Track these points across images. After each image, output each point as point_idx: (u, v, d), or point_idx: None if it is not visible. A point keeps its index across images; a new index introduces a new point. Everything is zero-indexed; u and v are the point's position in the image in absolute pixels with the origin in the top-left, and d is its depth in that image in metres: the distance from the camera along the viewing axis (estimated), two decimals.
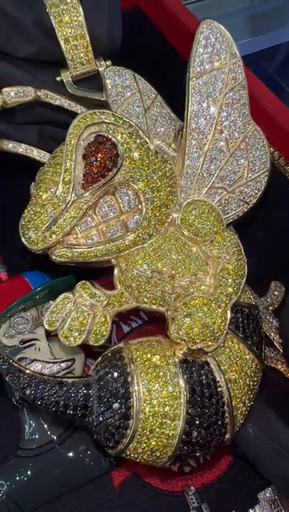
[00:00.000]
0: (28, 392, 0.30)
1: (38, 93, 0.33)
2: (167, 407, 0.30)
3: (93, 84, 0.38)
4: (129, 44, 0.38)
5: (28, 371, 0.31)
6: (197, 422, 0.30)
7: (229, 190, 0.35)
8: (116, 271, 0.34)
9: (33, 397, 0.30)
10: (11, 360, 0.31)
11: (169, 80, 0.33)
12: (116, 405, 0.30)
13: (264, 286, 0.41)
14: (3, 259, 0.40)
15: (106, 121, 0.31)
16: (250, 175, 0.35)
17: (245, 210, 0.36)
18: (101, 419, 0.30)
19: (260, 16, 0.61)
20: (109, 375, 0.31)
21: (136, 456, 0.31)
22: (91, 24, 0.35)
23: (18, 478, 0.34)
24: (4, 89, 0.32)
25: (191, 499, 0.35)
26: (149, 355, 0.31)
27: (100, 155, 0.31)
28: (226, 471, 0.36)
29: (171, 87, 0.34)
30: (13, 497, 0.33)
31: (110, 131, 0.31)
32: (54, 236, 0.31)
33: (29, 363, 0.34)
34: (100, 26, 0.35)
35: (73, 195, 0.31)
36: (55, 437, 0.35)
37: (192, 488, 0.36)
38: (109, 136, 0.31)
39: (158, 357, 0.31)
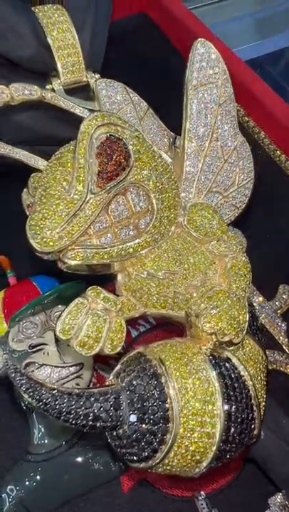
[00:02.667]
0: (52, 406, 0.27)
1: (43, 93, 0.32)
2: (205, 405, 0.29)
3: (82, 96, 0.38)
4: (136, 50, 0.40)
5: (49, 385, 0.28)
6: (233, 417, 0.30)
7: (224, 194, 0.37)
8: (120, 277, 0.34)
9: (58, 412, 0.27)
10: (29, 374, 0.28)
11: (177, 86, 0.36)
12: (153, 409, 0.28)
13: (272, 289, 0.43)
14: (11, 264, 0.37)
15: (115, 122, 0.32)
16: (240, 182, 0.38)
17: (236, 214, 0.38)
18: (136, 427, 0.28)
19: (264, 20, 0.65)
20: (139, 379, 0.29)
21: (174, 464, 0.29)
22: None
23: (27, 483, 0.34)
24: (12, 85, 0.31)
25: (201, 504, 0.34)
26: (178, 354, 0.30)
27: (115, 154, 0.31)
28: (236, 476, 0.36)
29: (179, 94, 0.36)
30: (22, 502, 0.33)
31: (119, 133, 0.32)
32: (69, 236, 0.30)
33: (38, 368, 0.33)
34: (83, 44, 0.37)
35: (89, 193, 0.30)
36: (64, 442, 0.35)
37: (202, 493, 0.35)
38: (121, 137, 0.32)
39: (188, 355, 0.30)
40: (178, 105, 0.35)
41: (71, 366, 0.34)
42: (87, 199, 0.31)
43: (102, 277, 0.34)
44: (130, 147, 0.32)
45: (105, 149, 0.31)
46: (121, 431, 0.29)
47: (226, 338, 0.31)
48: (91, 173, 0.31)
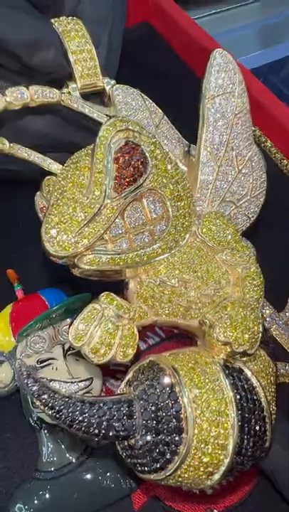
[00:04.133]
0: (64, 414, 0.28)
1: (62, 97, 0.34)
2: (220, 416, 0.30)
3: (97, 102, 0.40)
4: (139, 60, 0.41)
5: (62, 391, 0.29)
6: (246, 429, 0.31)
7: (237, 204, 0.39)
8: (132, 284, 0.35)
9: (71, 420, 0.28)
10: (43, 380, 0.28)
11: (181, 96, 0.37)
12: (166, 419, 0.29)
13: (282, 301, 0.44)
14: (19, 278, 0.38)
15: (133, 128, 0.33)
16: (253, 192, 0.40)
17: (248, 225, 0.40)
18: (149, 438, 0.29)
19: (266, 29, 0.66)
20: (153, 388, 0.30)
21: (186, 476, 0.30)
22: None
23: (36, 501, 0.34)
24: (32, 87, 0.32)
25: None
26: (191, 363, 0.31)
27: (133, 159, 0.33)
28: (250, 494, 0.37)
29: (183, 102, 0.37)
30: None
31: (136, 139, 0.33)
32: (86, 240, 0.31)
33: None
34: (99, 58, 0.39)
35: (106, 198, 0.32)
36: (73, 459, 0.35)
37: (215, 511, 0.35)
38: (138, 143, 0.33)
39: (200, 364, 0.31)
40: (184, 115, 0.37)
41: (80, 381, 0.34)
42: (104, 204, 0.32)
43: (111, 287, 0.34)
44: (147, 154, 0.33)
45: (123, 155, 0.33)
46: (133, 441, 0.30)
47: (241, 349, 0.32)
48: (109, 178, 0.32)
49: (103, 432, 0.29)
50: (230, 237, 0.36)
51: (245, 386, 0.32)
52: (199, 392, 0.30)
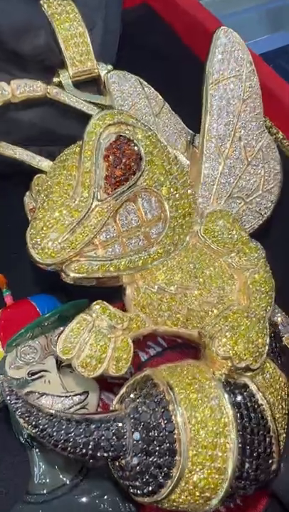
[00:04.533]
0: (49, 433, 0.27)
1: (48, 89, 0.32)
2: (217, 437, 0.28)
3: (93, 90, 0.37)
4: (139, 43, 0.38)
5: (47, 409, 0.27)
6: (248, 451, 0.29)
7: (247, 200, 0.36)
8: (129, 291, 0.33)
9: (56, 440, 0.27)
10: (26, 397, 0.27)
11: (183, 81, 0.34)
12: (159, 440, 0.27)
13: None
14: (7, 282, 0.37)
15: (126, 121, 0.31)
16: (265, 186, 0.37)
17: (260, 222, 0.37)
18: (139, 459, 0.27)
19: (276, 12, 0.63)
20: (145, 406, 0.28)
21: (181, 501, 0.28)
22: None
23: None
24: (13, 81, 0.30)
25: None
26: (188, 379, 0.29)
27: (124, 156, 0.30)
28: None
29: (186, 88, 0.35)
30: None
31: (130, 133, 0.31)
32: (72, 247, 0.30)
33: (38, 398, 0.32)
34: (94, 41, 0.36)
35: (95, 200, 0.30)
36: (67, 481, 0.33)
37: None
38: (132, 138, 0.31)
39: (199, 380, 0.29)
40: (187, 102, 0.34)
41: (75, 395, 0.33)
42: (92, 206, 0.30)
43: (109, 294, 0.33)
44: (142, 149, 0.31)
45: (114, 151, 0.31)
46: (124, 461, 0.28)
47: (243, 364, 0.29)
48: (98, 178, 0.30)
49: (90, 452, 0.27)
50: (235, 238, 0.33)
51: (249, 404, 0.30)
52: (195, 411, 0.28)
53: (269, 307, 0.32)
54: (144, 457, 0.28)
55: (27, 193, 0.35)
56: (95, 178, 0.30)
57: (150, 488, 0.28)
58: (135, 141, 0.31)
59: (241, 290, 0.33)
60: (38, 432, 0.27)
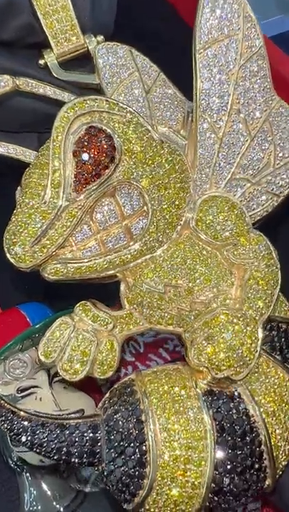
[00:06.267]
0: (24, 438, 0.30)
1: (17, 82, 0.32)
2: (191, 450, 0.29)
3: (84, 67, 0.37)
4: (135, 20, 0.37)
5: (22, 413, 0.30)
6: (229, 466, 0.29)
7: (253, 181, 0.34)
8: (122, 287, 0.34)
9: (31, 444, 0.30)
10: (1, 401, 0.30)
11: (173, 52, 0.33)
12: (129, 450, 0.29)
13: None
14: None
15: (99, 109, 0.31)
16: (277, 161, 0.34)
17: (276, 204, 0.35)
18: (112, 467, 0.29)
19: None
20: (119, 414, 0.30)
21: (157, 510, 0.30)
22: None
23: None
24: None
25: None
26: (166, 388, 0.30)
27: (93, 150, 0.30)
28: None
29: (176, 60, 0.33)
30: None
31: (104, 121, 0.31)
32: (44, 250, 0.31)
33: None
34: (82, 9, 0.35)
35: (64, 200, 0.31)
36: (61, 508, 0.34)
37: None
38: (104, 127, 0.31)
39: (177, 389, 0.30)
40: (177, 78, 0.32)
41: (69, 414, 0.32)
42: (62, 207, 0.31)
43: (109, 294, 0.34)
44: (116, 139, 0.31)
45: (83, 145, 0.31)
46: (100, 468, 0.31)
47: (221, 375, 0.29)
48: (67, 176, 0.31)
49: (64, 457, 0.30)
50: (230, 228, 0.32)
51: (235, 416, 0.30)
52: (169, 422, 0.29)
53: (266, 308, 0.31)
54: (116, 466, 0.30)
55: (18, 188, 0.37)
56: (64, 176, 0.31)
57: (125, 496, 0.30)
58: (108, 131, 0.31)
59: (240, 286, 0.32)
60: (14, 436, 0.30)
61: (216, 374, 0.29)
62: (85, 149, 0.31)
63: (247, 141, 0.33)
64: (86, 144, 0.31)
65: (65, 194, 0.31)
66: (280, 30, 0.58)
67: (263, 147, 0.34)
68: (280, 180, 0.34)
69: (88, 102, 0.31)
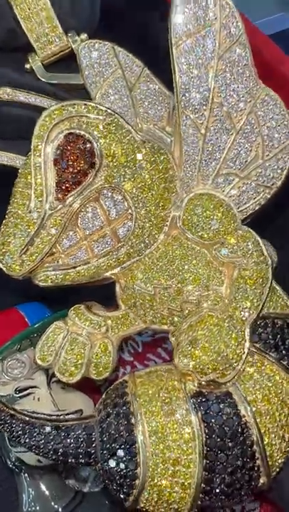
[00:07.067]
0: (23, 440, 0.32)
1: None
2: (179, 452, 0.30)
3: (70, 67, 0.37)
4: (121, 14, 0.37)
5: (20, 416, 0.32)
6: (219, 467, 0.30)
7: (242, 175, 0.33)
8: (117, 288, 0.35)
9: (29, 446, 0.32)
10: (1, 405, 0.32)
11: (160, 44, 0.32)
12: (120, 452, 0.30)
13: None
14: None
15: (77, 114, 0.31)
16: (267, 153, 0.33)
17: (269, 196, 0.34)
18: (106, 467, 0.31)
19: None
20: (111, 417, 0.31)
21: (152, 508, 0.31)
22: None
23: None
24: None
25: None
26: (154, 389, 0.31)
27: (72, 157, 0.31)
28: None
29: (163, 52, 0.32)
30: None
31: (83, 126, 0.31)
32: (32, 259, 0.32)
33: None
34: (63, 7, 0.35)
35: (48, 208, 0.31)
36: (59, 508, 0.34)
37: None
38: (82, 133, 0.31)
39: (166, 391, 0.31)
40: (164, 71, 0.32)
41: (67, 414, 0.33)
42: (46, 216, 0.32)
43: (109, 293, 0.35)
44: (96, 144, 0.31)
45: (62, 153, 0.32)
46: (97, 467, 0.32)
47: (206, 379, 0.30)
48: (48, 185, 0.32)
49: (61, 458, 0.32)
50: (216, 227, 0.32)
51: (224, 418, 0.31)
52: (157, 424, 0.30)
53: (254, 309, 0.31)
54: (110, 467, 0.31)
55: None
56: (45, 185, 0.32)
57: (120, 495, 0.32)
58: (87, 136, 0.32)
59: (229, 285, 0.33)
60: (14, 438, 0.32)
61: (202, 377, 0.30)
62: (64, 157, 0.31)
63: (232, 135, 0.33)
64: (65, 151, 0.31)
65: (48, 203, 0.32)
66: (281, 28, 0.58)
67: (250, 140, 0.33)
68: (271, 172, 0.34)
69: (66, 108, 0.32)
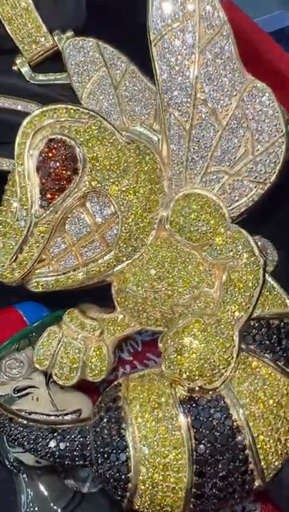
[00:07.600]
0: (21, 443, 0.33)
1: None
2: (169, 457, 0.30)
3: (58, 66, 0.37)
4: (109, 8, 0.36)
5: (19, 420, 0.33)
6: (210, 472, 0.30)
7: (232, 172, 0.33)
8: (112, 291, 0.35)
9: (29, 449, 0.33)
10: (1, 409, 0.33)
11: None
12: (112, 456, 0.31)
13: None
14: None
15: (59, 119, 0.31)
16: (257, 147, 0.32)
17: (262, 191, 0.33)
18: (101, 470, 0.32)
19: None
20: (104, 421, 0.32)
21: (147, 510, 0.32)
22: None
23: None
24: None
25: None
26: (146, 394, 0.31)
27: (54, 164, 0.31)
28: None
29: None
30: None
31: (66, 131, 0.31)
32: (22, 266, 0.33)
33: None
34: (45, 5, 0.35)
35: (33, 216, 0.32)
36: (59, 509, 0.34)
37: None
38: (64, 138, 0.31)
39: (156, 396, 0.31)
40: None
41: (66, 414, 0.33)
42: (32, 224, 0.33)
43: (108, 293, 0.35)
44: (78, 149, 0.31)
45: (44, 160, 0.32)
46: (92, 469, 0.33)
47: (193, 385, 0.30)
48: (33, 193, 0.32)
49: (58, 460, 0.33)
50: (203, 229, 0.32)
51: (215, 422, 0.31)
52: (147, 430, 0.31)
53: (244, 312, 0.31)
54: (104, 470, 0.32)
55: None
56: (29, 193, 0.32)
57: (115, 496, 0.33)
58: (68, 141, 0.32)
59: (220, 287, 0.32)
60: (13, 440, 0.34)
61: (189, 384, 0.30)
62: (45, 164, 0.31)
63: (218, 131, 0.32)
64: (47, 158, 0.31)
65: (33, 211, 0.32)
66: (280, 25, 0.56)
67: (238, 135, 0.32)
68: (263, 167, 0.33)
69: (47, 113, 0.32)
